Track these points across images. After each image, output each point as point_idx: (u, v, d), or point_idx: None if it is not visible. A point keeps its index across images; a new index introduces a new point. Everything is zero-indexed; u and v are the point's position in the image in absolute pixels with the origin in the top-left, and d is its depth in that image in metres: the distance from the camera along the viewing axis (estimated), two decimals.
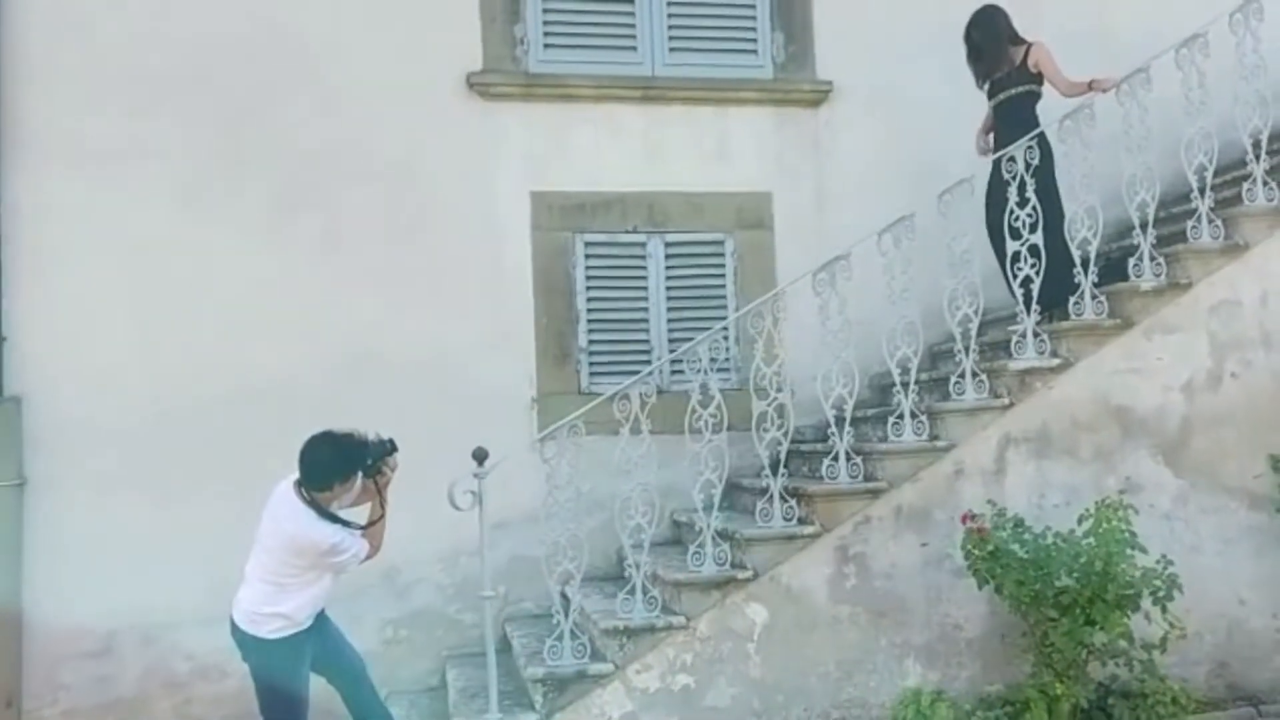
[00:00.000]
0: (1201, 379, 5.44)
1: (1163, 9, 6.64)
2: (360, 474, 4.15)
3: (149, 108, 5.98)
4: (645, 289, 6.43)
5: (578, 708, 4.73)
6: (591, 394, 6.29)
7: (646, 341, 6.41)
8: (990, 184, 5.76)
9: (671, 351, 6.34)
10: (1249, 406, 5.48)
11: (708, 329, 6.31)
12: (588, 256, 6.36)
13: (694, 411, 4.99)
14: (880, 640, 5.06)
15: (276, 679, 4.13)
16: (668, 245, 6.45)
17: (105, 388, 5.82)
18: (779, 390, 5.07)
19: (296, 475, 4.14)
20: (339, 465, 4.09)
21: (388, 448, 4.19)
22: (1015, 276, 5.37)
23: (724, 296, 6.52)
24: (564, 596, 6.10)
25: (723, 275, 6.52)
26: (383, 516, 4.24)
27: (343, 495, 4.16)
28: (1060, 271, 5.35)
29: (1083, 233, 5.36)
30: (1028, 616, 4.84)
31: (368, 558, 4.22)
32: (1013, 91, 5.88)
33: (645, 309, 6.43)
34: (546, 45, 6.36)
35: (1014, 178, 5.40)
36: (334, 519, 4.11)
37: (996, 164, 5.64)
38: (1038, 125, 5.64)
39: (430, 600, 6.09)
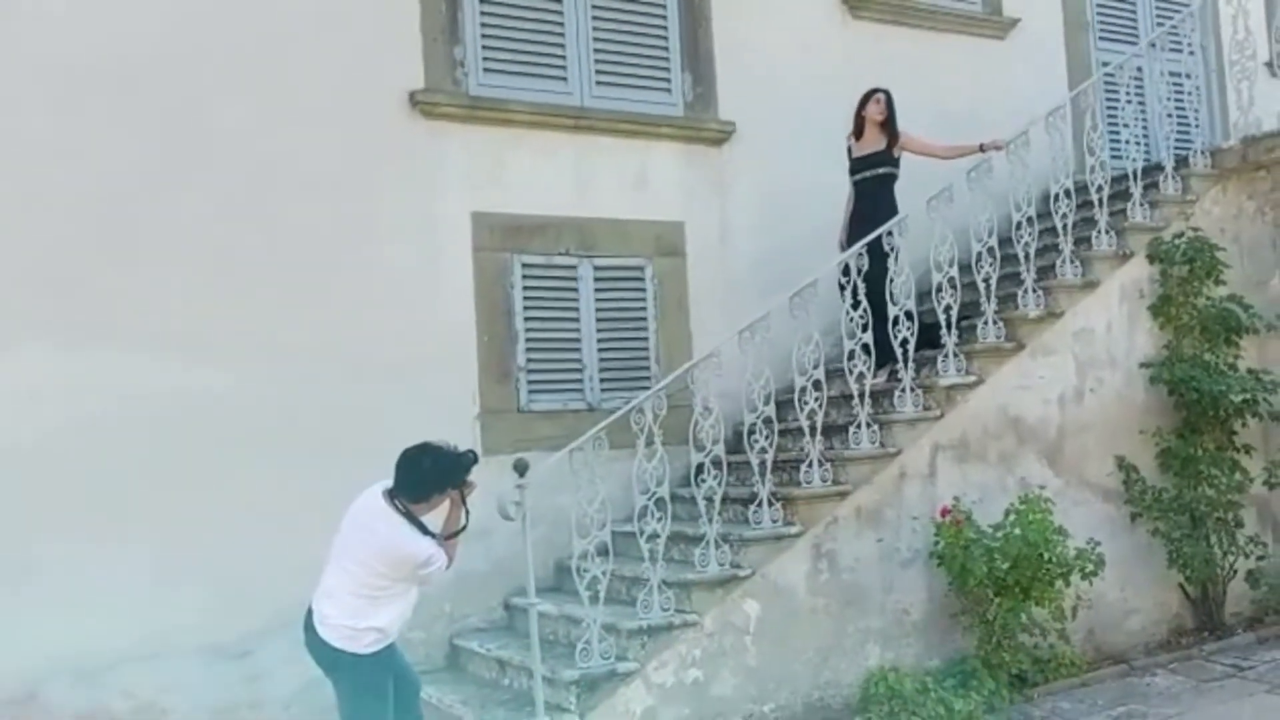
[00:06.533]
0: (1070, 393, 6.51)
1: (981, 88, 7.97)
2: (450, 486, 4.19)
3: (72, 104, 5.52)
4: (577, 310, 6.67)
5: (606, 707, 4.95)
6: (530, 412, 6.48)
7: (579, 361, 6.65)
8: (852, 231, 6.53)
9: (602, 371, 6.68)
10: (1103, 416, 6.62)
11: (632, 349, 6.80)
12: (525, 277, 6.51)
13: (695, 424, 5.37)
14: (848, 627, 5.66)
15: (370, 693, 4.06)
16: (596, 269, 6.73)
17: (21, 409, 5.30)
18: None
19: (385, 485, 4.12)
20: (439, 477, 4.12)
21: (472, 458, 4.25)
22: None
23: (645, 319, 6.88)
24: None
25: (644, 298, 6.89)
26: (464, 528, 4.28)
27: (436, 506, 4.18)
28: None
29: (985, 269, 6.27)
30: (974, 596, 5.62)
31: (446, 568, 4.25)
32: (880, 171, 6.66)
33: (578, 329, 6.66)
34: (485, 69, 6.48)
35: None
36: (425, 530, 4.12)
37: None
38: (896, 203, 6.45)
39: None
